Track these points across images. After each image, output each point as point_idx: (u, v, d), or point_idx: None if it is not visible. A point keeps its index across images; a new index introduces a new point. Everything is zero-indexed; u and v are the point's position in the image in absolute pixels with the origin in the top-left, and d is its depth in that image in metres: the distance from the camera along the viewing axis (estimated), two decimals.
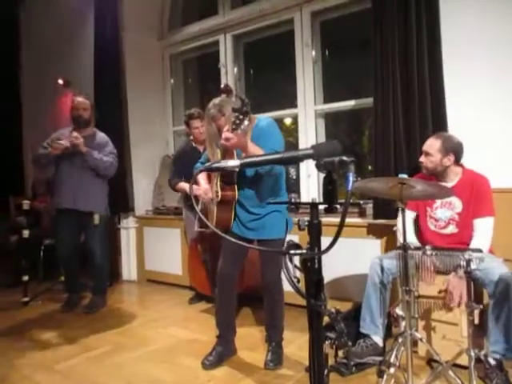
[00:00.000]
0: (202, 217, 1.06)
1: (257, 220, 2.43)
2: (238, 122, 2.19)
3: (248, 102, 2.18)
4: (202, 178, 2.62)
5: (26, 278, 3.84)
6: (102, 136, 3.72)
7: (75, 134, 3.44)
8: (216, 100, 2.43)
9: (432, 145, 2.44)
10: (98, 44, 4.68)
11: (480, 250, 2.01)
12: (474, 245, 2.29)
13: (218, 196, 2.37)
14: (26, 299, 3.85)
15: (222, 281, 2.54)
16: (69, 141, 3.41)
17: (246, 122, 2.19)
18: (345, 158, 0.85)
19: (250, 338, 2.87)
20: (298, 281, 0.95)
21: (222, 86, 2.54)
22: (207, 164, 0.97)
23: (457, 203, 2.43)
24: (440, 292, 2.31)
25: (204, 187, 2.58)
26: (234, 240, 1.16)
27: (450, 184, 2.45)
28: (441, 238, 2.47)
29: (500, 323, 2.14)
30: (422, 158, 2.48)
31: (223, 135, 2.19)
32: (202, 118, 3.53)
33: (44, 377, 2.48)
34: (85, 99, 3.64)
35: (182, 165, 3.69)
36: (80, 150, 3.43)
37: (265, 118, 2.50)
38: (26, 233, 3.91)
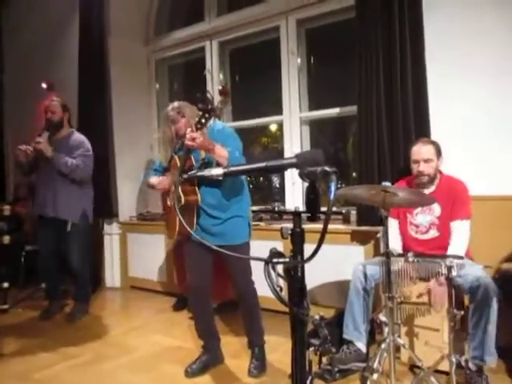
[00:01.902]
0: (183, 221, 1.05)
1: (219, 225, 2.39)
2: (203, 120, 2.18)
3: (213, 100, 2.19)
4: (155, 179, 2.54)
5: (5, 284, 3.76)
6: (76, 137, 3.59)
7: (39, 138, 3.36)
8: (175, 103, 2.47)
9: (428, 150, 2.47)
10: (83, 48, 4.64)
11: (461, 257, 2.05)
12: (451, 247, 2.35)
13: (180, 201, 2.31)
14: (5, 306, 3.77)
15: (193, 294, 2.52)
16: (31, 145, 3.36)
17: (211, 122, 2.21)
18: (327, 168, 0.86)
19: (232, 346, 2.85)
20: (281, 289, 0.96)
21: (198, 95, 2.53)
22: (191, 172, 0.97)
23: (436, 207, 2.47)
24: (419, 296, 2.34)
25: (158, 179, 2.50)
26: (209, 244, 1.14)
27: (430, 189, 2.50)
28: (422, 243, 2.51)
29: (480, 329, 2.17)
30: (422, 167, 2.46)
31: (188, 135, 2.15)
32: None
33: None
34: (52, 101, 3.55)
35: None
36: (45, 155, 3.34)
37: (220, 123, 2.52)
38: (6, 238, 3.83)
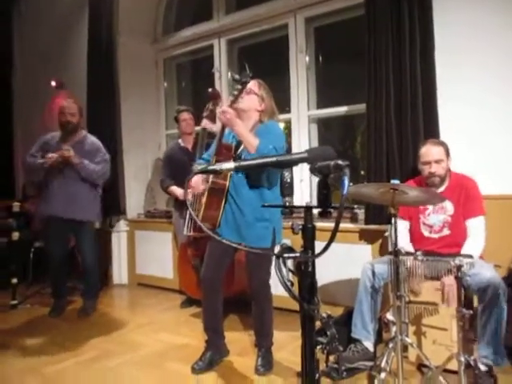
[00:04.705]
0: (195, 217, 1.05)
1: (246, 224, 2.36)
2: (236, 93, 2.17)
3: (249, 73, 2.17)
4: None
5: (14, 280, 3.80)
6: (92, 142, 3.64)
7: (66, 146, 3.38)
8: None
9: (439, 151, 2.47)
10: (91, 47, 4.67)
11: (470, 256, 2.03)
12: (468, 246, 2.34)
13: (208, 181, 2.28)
14: (14, 302, 3.81)
15: (205, 286, 2.51)
16: (59, 154, 3.35)
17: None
18: (340, 161, 0.85)
19: (239, 343, 2.85)
20: (292, 284, 0.96)
21: (210, 90, 2.53)
22: (201, 167, 0.97)
23: (448, 206, 2.47)
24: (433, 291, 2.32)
25: (195, 179, 2.40)
26: (226, 241, 1.15)
27: (441, 188, 2.49)
28: (434, 241, 2.50)
29: (489, 329, 2.15)
30: (434, 168, 2.45)
31: (221, 109, 2.17)
32: (190, 111, 3.84)
33: (32, 381, 2.45)
34: (71, 103, 3.56)
35: (173, 167, 3.73)
36: (72, 162, 3.38)
37: (273, 121, 2.46)
38: (15, 235, 3.87)
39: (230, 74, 2.16)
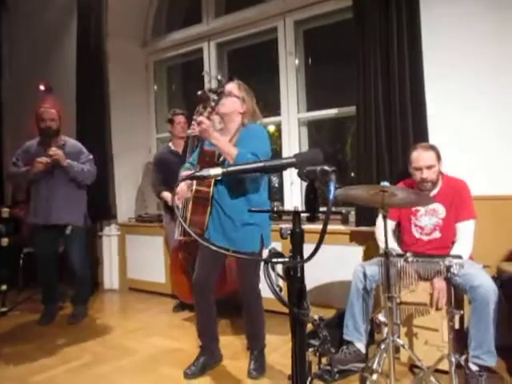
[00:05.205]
0: (184, 223, 1.05)
1: (234, 228, 2.34)
2: (213, 104, 2.17)
3: (224, 82, 2.17)
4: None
5: (4, 287, 3.76)
6: (73, 144, 3.61)
7: (54, 148, 3.34)
8: None
9: (430, 157, 2.46)
10: (80, 50, 4.64)
11: (460, 257, 2.05)
12: (456, 249, 2.34)
13: (191, 190, 2.28)
14: (4, 309, 3.77)
15: (197, 290, 2.50)
16: (48, 157, 3.31)
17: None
18: (326, 167, 0.85)
19: (231, 347, 2.85)
20: (281, 289, 0.95)
21: (199, 93, 2.52)
22: (187, 173, 0.97)
23: (440, 209, 2.48)
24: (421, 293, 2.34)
25: (180, 186, 2.36)
26: (215, 248, 1.14)
27: (433, 192, 2.50)
28: (424, 243, 2.51)
29: (479, 328, 2.16)
30: (426, 174, 2.43)
31: (197, 119, 2.16)
32: (185, 115, 3.79)
33: None
34: (49, 109, 3.48)
35: (163, 172, 3.71)
36: (61, 164, 3.35)
37: (256, 125, 2.44)
38: (4, 241, 3.83)
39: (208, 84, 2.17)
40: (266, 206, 2.49)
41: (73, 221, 3.53)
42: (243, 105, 2.37)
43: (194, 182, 2.25)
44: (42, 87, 5.16)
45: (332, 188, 0.82)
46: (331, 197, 0.81)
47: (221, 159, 2.36)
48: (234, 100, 2.34)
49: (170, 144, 3.91)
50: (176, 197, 2.36)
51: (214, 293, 2.54)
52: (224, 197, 2.34)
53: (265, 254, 2.46)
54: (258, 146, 2.26)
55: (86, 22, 4.59)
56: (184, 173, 2.45)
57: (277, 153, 4.14)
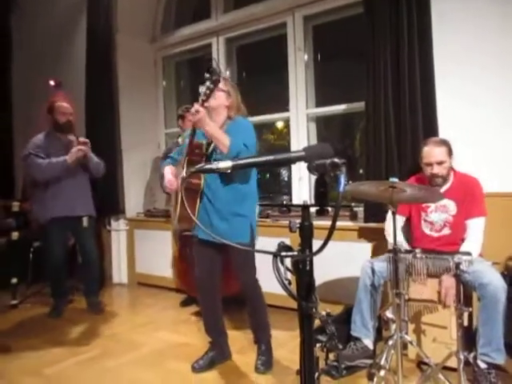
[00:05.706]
0: (193, 217, 1.05)
1: (223, 220, 2.34)
2: (207, 92, 2.17)
3: (219, 71, 2.16)
4: (168, 172, 2.42)
5: (14, 280, 3.80)
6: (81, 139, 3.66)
7: (83, 139, 3.44)
8: None
9: (441, 152, 2.43)
10: (90, 46, 4.66)
11: (469, 253, 2.03)
12: (466, 246, 2.32)
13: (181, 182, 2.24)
14: (14, 302, 3.81)
15: (201, 288, 2.51)
16: (79, 148, 3.39)
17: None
18: (336, 159, 0.85)
19: (238, 342, 2.86)
20: (290, 283, 0.95)
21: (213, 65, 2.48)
22: (198, 166, 0.97)
23: (451, 206, 2.46)
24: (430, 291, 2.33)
25: (168, 177, 2.38)
26: (218, 238, 1.12)
27: (444, 188, 2.47)
28: (434, 240, 2.49)
29: (488, 326, 2.15)
30: (436, 169, 2.42)
31: (193, 108, 2.16)
32: None
33: (32, 382, 2.45)
34: (67, 104, 3.55)
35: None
36: (88, 155, 3.45)
37: (242, 118, 2.46)
38: (15, 235, 3.87)
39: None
40: (255, 196, 2.50)
41: (90, 211, 3.62)
42: (229, 98, 2.38)
43: (184, 172, 2.23)
44: (51, 82, 5.19)
45: (342, 180, 0.81)
46: (341, 189, 0.81)
47: (209, 151, 2.36)
48: (221, 94, 2.36)
49: (179, 140, 3.92)
50: (168, 189, 2.39)
51: (222, 290, 2.55)
52: (214, 188, 2.34)
53: (257, 245, 2.50)
54: (247, 138, 2.28)
55: (95, 19, 4.61)
56: (166, 168, 2.45)
57: (285, 148, 4.14)
